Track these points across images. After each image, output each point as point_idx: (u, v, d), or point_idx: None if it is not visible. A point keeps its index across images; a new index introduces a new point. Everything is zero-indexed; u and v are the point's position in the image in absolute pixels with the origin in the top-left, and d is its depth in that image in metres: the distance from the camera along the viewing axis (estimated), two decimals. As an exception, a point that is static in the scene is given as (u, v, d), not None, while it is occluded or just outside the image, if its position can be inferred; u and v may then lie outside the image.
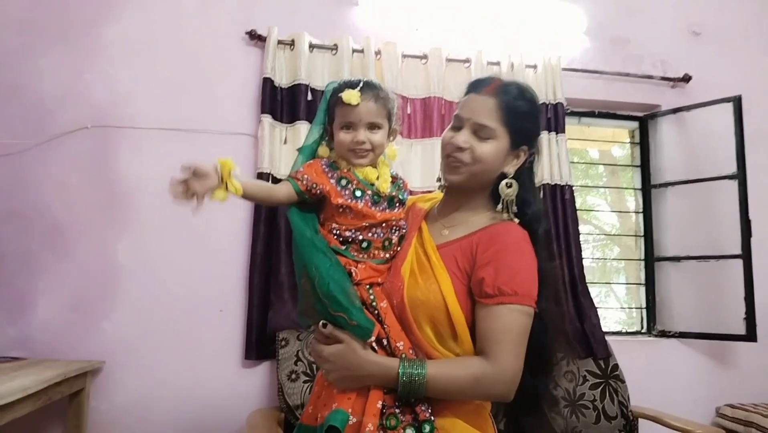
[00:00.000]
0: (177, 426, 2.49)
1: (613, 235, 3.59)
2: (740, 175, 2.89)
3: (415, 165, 2.72)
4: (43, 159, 2.54)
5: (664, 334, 3.09)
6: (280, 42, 2.70)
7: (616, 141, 3.54)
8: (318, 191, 1.30)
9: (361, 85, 1.32)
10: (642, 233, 3.27)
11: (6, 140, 2.51)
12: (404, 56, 2.82)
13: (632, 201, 3.40)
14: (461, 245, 1.32)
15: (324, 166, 1.33)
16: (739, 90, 2.98)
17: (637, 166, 3.33)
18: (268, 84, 2.64)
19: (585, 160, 3.75)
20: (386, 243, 1.33)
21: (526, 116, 1.35)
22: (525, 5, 3.10)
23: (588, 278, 2.89)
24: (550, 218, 2.79)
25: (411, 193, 1.48)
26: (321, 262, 1.22)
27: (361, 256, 1.30)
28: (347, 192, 1.30)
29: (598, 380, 2.63)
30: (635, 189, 3.35)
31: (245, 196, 1.31)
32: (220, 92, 2.71)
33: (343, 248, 1.30)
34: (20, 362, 2.25)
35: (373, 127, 1.33)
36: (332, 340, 1.25)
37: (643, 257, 3.26)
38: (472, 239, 1.32)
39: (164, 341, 2.52)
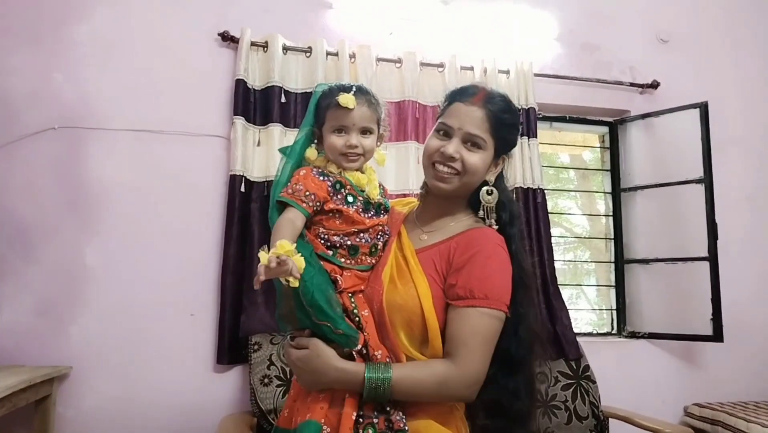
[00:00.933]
0: (147, 432, 2.44)
1: (584, 238, 3.64)
2: (707, 180, 2.96)
3: (389, 168, 2.72)
4: (9, 160, 2.48)
5: (633, 335, 3.14)
6: (253, 44, 2.68)
7: (586, 146, 3.59)
8: (318, 205, 1.29)
9: (354, 89, 1.33)
10: (612, 236, 3.32)
11: (-30, 141, 2.45)
12: (378, 60, 2.82)
13: (602, 204, 3.45)
14: (439, 249, 1.34)
15: (316, 174, 1.31)
16: (705, 96, 3.05)
17: (607, 171, 3.39)
18: (241, 86, 2.62)
19: (556, 165, 3.80)
20: (373, 249, 1.34)
21: (512, 128, 1.40)
22: (498, 12, 3.14)
23: (559, 279, 2.92)
24: (523, 221, 2.82)
25: (388, 196, 1.49)
26: (305, 270, 1.21)
27: (348, 262, 1.30)
28: (339, 197, 1.30)
29: (570, 381, 2.66)
30: (605, 193, 3.40)
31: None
32: (192, 93, 2.68)
33: (330, 253, 1.29)
34: (-16, 368, 2.20)
35: (365, 131, 1.34)
36: (300, 346, 1.27)
37: (613, 259, 3.31)
38: (450, 243, 1.34)
39: (134, 345, 2.48)
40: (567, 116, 3.31)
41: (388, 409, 1.23)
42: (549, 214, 2.95)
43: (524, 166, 2.87)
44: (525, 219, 2.82)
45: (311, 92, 2.61)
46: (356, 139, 1.32)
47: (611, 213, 3.34)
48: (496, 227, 1.37)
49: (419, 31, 3.01)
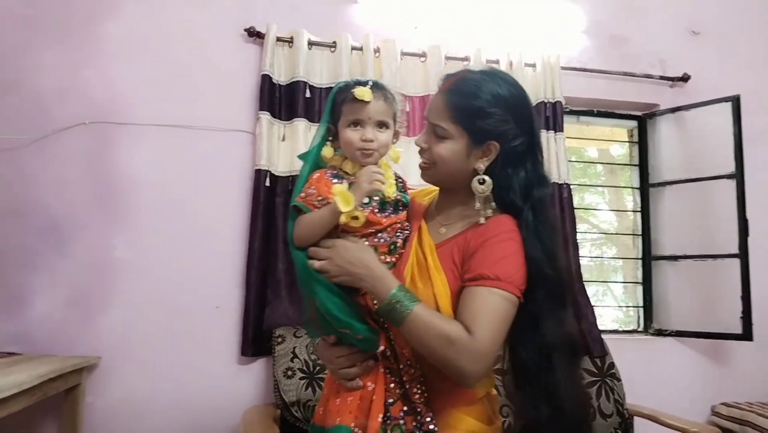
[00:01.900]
0: (173, 422, 2.49)
1: (611, 234, 3.59)
2: (738, 175, 2.89)
3: (413, 163, 2.69)
4: (40, 155, 2.54)
5: (660, 333, 3.10)
6: (278, 39, 2.69)
7: (614, 140, 3.54)
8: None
9: (371, 84, 1.31)
10: (640, 232, 3.27)
11: (4, 136, 2.51)
12: (403, 54, 2.81)
13: (630, 200, 3.40)
14: (457, 242, 1.31)
15: (330, 177, 1.29)
16: (737, 90, 2.98)
17: (635, 165, 3.33)
18: (266, 81, 2.64)
19: (583, 159, 3.75)
20: (392, 247, 1.31)
21: (479, 114, 1.28)
22: (524, 4, 3.10)
23: (585, 276, 2.89)
24: (550, 211, 2.78)
25: (407, 189, 1.47)
26: (316, 283, 1.22)
27: None
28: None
29: (595, 379, 2.64)
30: (633, 188, 3.35)
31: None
32: (218, 89, 2.71)
33: None
34: (16, 357, 2.26)
35: (381, 126, 1.31)
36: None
37: (640, 255, 3.26)
38: (467, 234, 1.31)
39: (160, 337, 2.52)
40: (594, 110, 3.27)
41: (418, 409, 1.22)
42: (575, 210, 2.92)
43: (550, 160, 2.84)
44: (550, 214, 2.79)
45: (335, 90, 2.66)
46: (372, 133, 1.29)
47: (639, 209, 3.29)
48: (483, 221, 1.30)
49: (444, 24, 2.99)
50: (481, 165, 1.30)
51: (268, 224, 2.57)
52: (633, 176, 3.36)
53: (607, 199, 3.77)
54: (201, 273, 2.59)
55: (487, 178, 1.30)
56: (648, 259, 3.21)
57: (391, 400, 1.24)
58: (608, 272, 3.57)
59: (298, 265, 1.27)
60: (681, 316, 3.05)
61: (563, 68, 2.99)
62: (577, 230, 2.91)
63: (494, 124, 1.28)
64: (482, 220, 1.29)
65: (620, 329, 3.25)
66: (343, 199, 1.20)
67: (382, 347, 1.24)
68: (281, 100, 2.67)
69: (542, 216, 1.30)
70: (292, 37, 2.70)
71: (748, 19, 3.39)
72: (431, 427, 1.21)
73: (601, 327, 2.83)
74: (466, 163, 1.31)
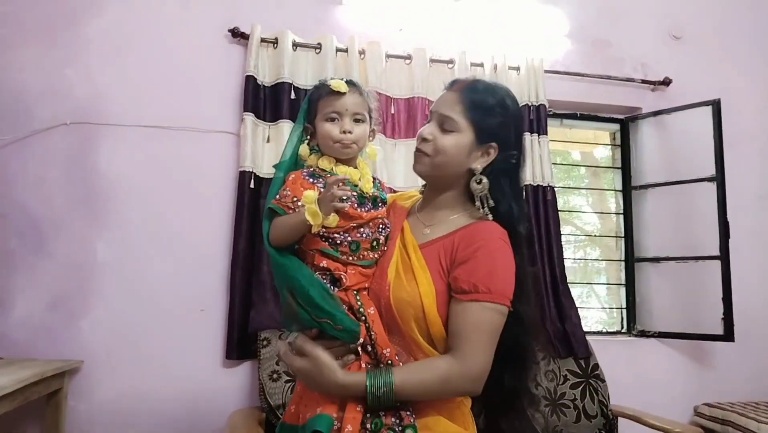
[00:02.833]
0: (157, 426, 2.46)
1: (594, 236, 3.62)
2: (719, 178, 2.93)
3: (399, 165, 2.72)
4: (21, 155, 2.50)
5: (643, 334, 3.12)
6: (263, 40, 2.68)
7: (597, 143, 3.57)
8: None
9: (346, 79, 1.35)
10: (622, 234, 3.30)
11: (-17, 136, 2.48)
12: (388, 56, 2.82)
13: (613, 202, 3.43)
14: (443, 244, 1.33)
15: (306, 177, 1.32)
16: (718, 93, 3.02)
17: (618, 168, 3.37)
18: (250, 82, 2.63)
19: (567, 162, 3.78)
20: (374, 243, 1.33)
21: (490, 111, 1.34)
22: (508, 7, 3.12)
23: (569, 278, 2.91)
24: (532, 219, 2.81)
25: (393, 191, 1.49)
26: (299, 270, 1.23)
27: (351, 258, 1.30)
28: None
29: (579, 380, 2.65)
30: (616, 190, 3.38)
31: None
32: (202, 90, 2.69)
33: (332, 249, 1.29)
34: (-4, 362, 2.22)
35: (357, 119, 1.34)
36: (300, 350, 1.25)
37: (623, 257, 3.29)
38: (453, 237, 1.33)
39: (144, 340, 2.50)
40: (578, 113, 3.29)
41: (396, 403, 1.23)
42: (559, 212, 2.94)
43: (534, 163, 2.86)
44: (534, 217, 2.81)
45: (310, 90, 2.65)
46: (350, 125, 1.33)
47: (622, 211, 3.32)
48: (490, 217, 1.34)
49: (429, 27, 3.00)
50: (479, 165, 1.35)
51: (253, 226, 2.55)
52: (616, 179, 3.39)
53: (590, 202, 3.80)
54: (185, 275, 2.57)
55: (484, 178, 1.34)
56: (631, 261, 3.24)
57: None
58: (592, 273, 3.60)
59: (275, 260, 1.28)
60: (663, 317, 3.08)
61: (547, 72, 3.01)
62: (562, 232, 2.93)
63: (500, 126, 1.35)
64: (490, 216, 1.34)
65: (604, 330, 3.28)
66: (310, 213, 1.22)
67: (361, 340, 1.25)
68: (266, 101, 2.66)
69: (521, 227, 1.37)
70: (276, 38, 2.69)
71: (728, 24, 3.44)
72: (411, 421, 1.22)
73: (585, 328, 2.85)
74: (465, 160, 1.35)
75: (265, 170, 2.60)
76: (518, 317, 1.32)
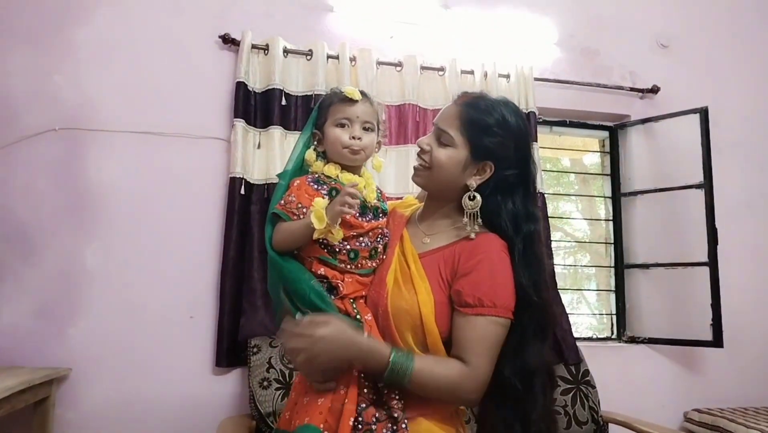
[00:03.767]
0: (145, 435, 2.44)
1: (584, 242, 3.63)
2: (707, 185, 2.95)
3: (389, 172, 2.72)
4: (9, 161, 2.48)
5: (633, 340, 3.14)
6: (254, 46, 2.68)
7: (587, 150, 3.59)
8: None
9: (358, 89, 1.37)
10: (612, 241, 3.32)
11: (-30, 142, 2.46)
12: (379, 63, 2.82)
13: (603, 209, 3.45)
14: (444, 255, 1.34)
15: (311, 183, 1.33)
16: (705, 101, 3.05)
17: (607, 175, 3.39)
18: (241, 88, 2.63)
19: (557, 168, 3.80)
20: (373, 252, 1.34)
21: (487, 130, 1.33)
22: (498, 16, 3.14)
23: (560, 284, 2.92)
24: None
25: (386, 200, 1.49)
26: (301, 274, 1.24)
27: (349, 266, 1.30)
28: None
29: (569, 386, 2.65)
30: (605, 197, 3.40)
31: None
32: (192, 96, 2.68)
33: (331, 257, 1.29)
34: (-18, 370, 2.19)
35: (366, 128, 1.36)
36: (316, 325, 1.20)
37: (613, 263, 3.31)
38: (455, 248, 1.34)
39: (133, 347, 2.47)
40: (567, 120, 3.32)
41: (395, 415, 1.22)
42: (549, 219, 2.95)
43: (524, 170, 2.87)
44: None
45: (312, 95, 2.67)
46: (359, 132, 1.34)
47: (611, 217, 3.34)
48: (472, 235, 1.32)
49: (420, 35, 3.01)
50: (473, 182, 1.35)
51: (243, 233, 2.55)
52: (605, 185, 3.41)
53: (580, 208, 3.82)
54: (174, 282, 2.55)
55: (477, 195, 1.34)
56: (620, 267, 3.26)
57: (363, 405, 1.23)
58: (582, 279, 3.61)
59: (277, 264, 1.28)
60: (653, 323, 3.09)
61: (536, 79, 3.03)
62: (552, 238, 2.94)
63: (496, 145, 1.33)
64: (472, 235, 1.32)
65: (594, 336, 3.29)
66: (317, 217, 1.22)
67: None
68: (256, 107, 2.66)
69: (531, 249, 1.34)
70: (267, 45, 2.69)
71: (715, 32, 3.48)
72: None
73: (575, 334, 2.86)
74: (460, 175, 1.35)
75: (256, 176, 2.59)
76: (518, 342, 1.30)
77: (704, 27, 3.47)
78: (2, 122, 2.49)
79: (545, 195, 2.91)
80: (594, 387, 2.67)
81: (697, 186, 2.99)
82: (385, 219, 1.40)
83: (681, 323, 2.99)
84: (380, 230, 1.36)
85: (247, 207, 2.55)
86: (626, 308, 3.21)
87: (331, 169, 1.36)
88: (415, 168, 1.41)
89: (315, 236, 1.24)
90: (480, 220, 1.34)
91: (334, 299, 1.27)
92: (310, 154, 1.38)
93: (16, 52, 2.55)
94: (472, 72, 2.93)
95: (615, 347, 3.14)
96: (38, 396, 2.21)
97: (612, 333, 3.25)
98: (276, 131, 2.60)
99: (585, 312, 3.64)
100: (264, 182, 2.58)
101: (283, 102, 2.64)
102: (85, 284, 2.48)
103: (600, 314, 3.41)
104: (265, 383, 2.33)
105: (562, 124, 3.32)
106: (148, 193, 2.58)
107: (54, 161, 2.52)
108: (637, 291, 3.18)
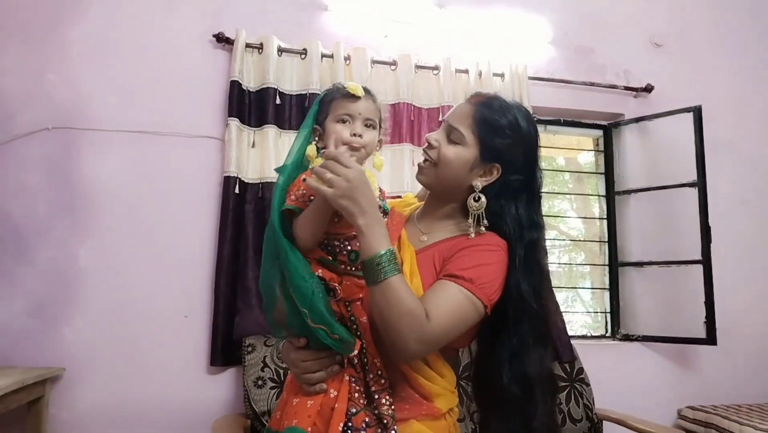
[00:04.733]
0: (140, 434, 2.44)
1: (579, 240, 3.65)
2: (700, 183, 2.97)
3: (384, 170, 2.71)
4: (2, 160, 2.47)
5: (627, 338, 3.15)
6: (248, 45, 2.68)
7: (581, 149, 3.60)
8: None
9: (361, 85, 1.33)
10: (606, 239, 3.33)
11: (-37, 141, 2.44)
12: (374, 62, 2.82)
13: (597, 207, 3.46)
14: (439, 248, 1.33)
15: None
16: (699, 100, 3.06)
17: (601, 174, 3.40)
18: (235, 87, 2.62)
19: (552, 167, 3.80)
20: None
21: (499, 132, 1.32)
22: (492, 15, 3.14)
23: (554, 282, 2.93)
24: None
25: (386, 198, 1.47)
26: (308, 272, 1.20)
27: (348, 268, 1.28)
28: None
29: (564, 384, 2.66)
30: (600, 196, 3.41)
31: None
32: (186, 95, 2.68)
33: (331, 258, 1.27)
34: (-24, 370, 2.18)
35: (368, 125, 1.32)
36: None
37: (607, 262, 3.31)
38: (452, 242, 1.32)
39: (127, 347, 2.47)
40: (561, 119, 3.32)
41: (385, 421, 1.21)
42: (544, 217, 2.95)
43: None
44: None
45: (306, 94, 2.67)
46: (361, 128, 1.30)
47: (606, 216, 3.35)
48: (472, 235, 1.31)
49: (414, 33, 3.01)
50: (479, 183, 1.33)
51: (238, 232, 2.54)
52: (599, 184, 3.42)
53: (574, 207, 3.83)
54: (169, 282, 2.55)
55: (482, 196, 1.32)
56: (615, 265, 3.27)
57: (354, 410, 1.22)
58: (577, 277, 3.62)
59: (288, 259, 1.21)
60: (647, 321, 3.10)
61: (531, 78, 3.04)
62: (547, 237, 2.94)
63: (506, 147, 1.32)
64: (472, 234, 1.31)
65: (589, 334, 3.30)
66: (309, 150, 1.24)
67: (355, 351, 1.22)
68: (251, 106, 2.65)
69: (534, 257, 1.32)
70: (261, 44, 2.69)
71: (708, 31, 3.49)
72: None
73: (570, 332, 2.87)
74: (466, 175, 1.33)
75: (250, 175, 2.59)
76: (513, 350, 1.29)
77: (698, 26, 3.49)
78: (-5, 121, 2.48)
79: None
80: (588, 385, 2.68)
81: (691, 184, 3.00)
82: (386, 219, 1.35)
83: (675, 320, 3.01)
84: None
85: (242, 206, 2.55)
86: (620, 306, 3.22)
87: None
88: (420, 165, 1.39)
89: (312, 165, 1.19)
90: (486, 222, 1.32)
91: (331, 301, 1.24)
92: (311, 149, 1.32)
93: (10, 51, 2.54)
94: (466, 71, 2.93)
95: (609, 345, 3.15)
96: (32, 396, 2.20)
97: (606, 331, 3.26)
98: (270, 130, 2.59)
99: (579, 310, 3.64)
100: (258, 181, 2.58)
101: (278, 101, 2.64)
102: (79, 284, 2.47)
103: (594, 312, 3.42)
104: (260, 382, 2.33)
105: (556, 123, 3.33)
106: (142, 193, 2.57)
107: (47, 160, 2.51)
108: (632, 289, 3.19)
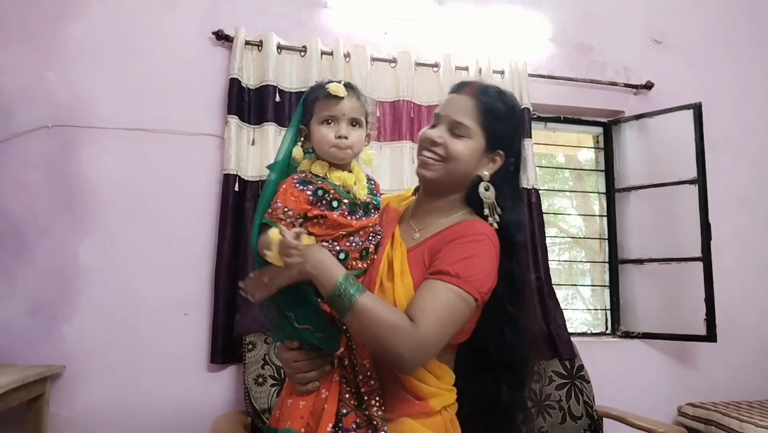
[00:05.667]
0: (140, 432, 2.43)
1: (579, 238, 3.65)
2: (700, 180, 2.96)
3: (384, 168, 2.72)
4: (1, 158, 2.47)
5: (627, 335, 3.15)
6: (247, 43, 2.68)
7: (581, 146, 3.60)
8: (298, 218, 1.24)
9: (344, 82, 1.31)
10: (606, 236, 3.33)
11: (-38, 139, 2.44)
12: (373, 59, 2.82)
13: (597, 205, 3.46)
14: (428, 245, 1.31)
15: (297, 184, 1.26)
16: (699, 97, 3.06)
17: (601, 171, 3.39)
18: (235, 85, 2.62)
19: (552, 165, 3.81)
20: (363, 253, 1.29)
21: (503, 119, 1.34)
22: (492, 12, 3.14)
23: (554, 279, 2.93)
24: (526, 231, 2.82)
25: (380, 192, 1.46)
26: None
27: None
28: (323, 203, 1.25)
29: (564, 381, 2.66)
30: (600, 193, 3.41)
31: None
32: (186, 92, 2.67)
33: None
34: (-24, 368, 2.18)
35: (354, 123, 1.30)
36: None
37: (607, 259, 3.31)
38: (439, 236, 1.31)
39: (127, 345, 2.47)
40: (561, 116, 3.32)
41: (375, 423, 1.21)
42: (544, 214, 2.95)
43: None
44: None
45: (306, 91, 2.65)
46: (346, 130, 1.28)
47: (606, 213, 3.35)
48: (496, 226, 1.32)
49: (414, 31, 3.01)
50: (486, 172, 1.34)
51: (237, 229, 2.54)
52: (599, 181, 3.42)
53: (574, 204, 3.83)
54: (169, 279, 2.54)
55: (491, 185, 1.34)
56: (614, 262, 3.26)
57: (345, 411, 1.22)
58: (577, 275, 3.62)
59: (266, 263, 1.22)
60: (647, 318, 3.10)
61: (531, 75, 3.03)
62: (546, 234, 2.95)
63: (509, 133, 1.36)
64: (494, 225, 1.32)
65: (589, 331, 3.30)
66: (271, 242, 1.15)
67: (342, 348, 1.23)
68: (250, 104, 2.65)
69: (519, 235, 1.35)
70: (261, 41, 2.68)
71: (708, 28, 3.49)
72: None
73: (570, 330, 2.87)
74: (475, 166, 1.34)
75: (250, 173, 2.58)
76: (515, 326, 1.31)
77: (698, 23, 3.48)
78: (-6, 119, 2.48)
79: (539, 191, 2.92)
80: (588, 382, 2.68)
81: (691, 181, 2.99)
82: (377, 215, 1.35)
83: (675, 317, 3.00)
84: (371, 228, 1.32)
85: (241, 204, 2.55)
86: (620, 303, 3.22)
87: (318, 168, 1.30)
88: (425, 162, 1.35)
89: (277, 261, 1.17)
90: (499, 209, 1.33)
91: (321, 302, 1.23)
92: (298, 151, 1.32)
93: (9, 49, 2.53)
94: (466, 68, 2.93)
95: (609, 342, 3.16)
96: (32, 394, 2.20)
97: (606, 328, 3.26)
98: (270, 128, 2.59)
99: (580, 307, 3.66)
100: (258, 179, 2.58)
101: (277, 98, 2.64)
102: (79, 281, 2.47)
103: (594, 310, 3.42)
104: (260, 380, 2.33)
105: (556, 120, 3.32)
106: (142, 190, 2.57)
107: (47, 158, 2.51)
108: (632, 286, 3.19)
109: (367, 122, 1.36)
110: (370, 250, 1.31)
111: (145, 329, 2.49)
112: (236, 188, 2.55)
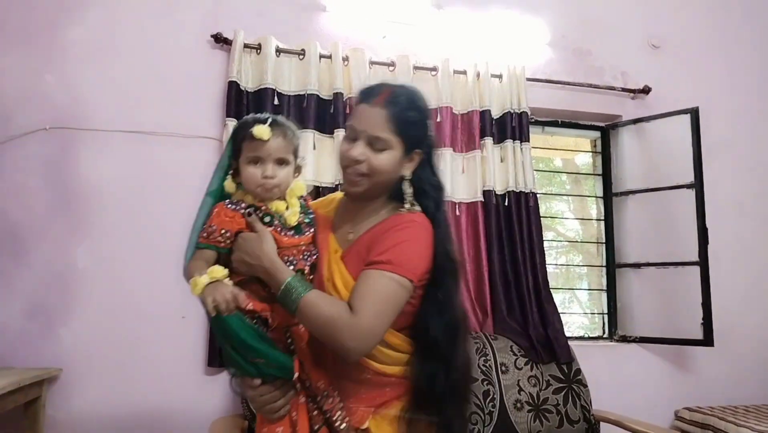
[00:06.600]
0: (137, 435, 2.43)
1: (576, 242, 3.65)
2: (697, 185, 2.97)
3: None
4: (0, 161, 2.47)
5: (625, 339, 3.15)
6: (246, 46, 2.68)
7: (578, 150, 3.61)
8: (232, 238, 1.29)
9: (270, 120, 1.31)
10: (604, 240, 3.33)
11: (-40, 141, 2.44)
12: (372, 63, 2.82)
13: (594, 209, 3.47)
14: (364, 240, 1.39)
15: (228, 206, 1.32)
16: (696, 102, 3.07)
17: (599, 175, 3.40)
18: (233, 87, 2.62)
19: (549, 168, 3.81)
20: (299, 275, 1.31)
21: (416, 124, 1.40)
22: (491, 16, 3.15)
23: (552, 283, 2.92)
24: (515, 225, 2.83)
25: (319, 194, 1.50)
26: (230, 316, 1.23)
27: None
28: (257, 218, 1.30)
29: (561, 385, 2.66)
30: (597, 197, 3.41)
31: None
32: (184, 95, 2.67)
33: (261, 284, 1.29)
34: (-28, 370, 2.18)
35: (281, 162, 1.32)
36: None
37: (604, 263, 3.32)
38: (374, 230, 1.39)
39: (124, 348, 2.46)
40: (559, 121, 3.33)
41: (340, 427, 1.28)
42: (541, 218, 2.95)
43: (516, 170, 2.88)
44: (517, 223, 2.83)
45: (304, 95, 2.67)
46: (272, 170, 1.30)
47: (603, 217, 3.35)
48: (417, 209, 1.41)
49: (412, 35, 3.01)
50: (407, 171, 1.42)
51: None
52: (597, 185, 3.42)
53: (572, 208, 3.84)
54: (166, 282, 2.51)
55: (410, 182, 1.42)
56: (612, 266, 3.27)
57: (317, 426, 1.29)
58: (574, 279, 3.63)
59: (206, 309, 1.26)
60: (644, 322, 3.11)
61: (529, 79, 3.04)
62: (544, 238, 2.95)
63: (423, 132, 1.43)
64: (406, 209, 1.40)
65: (586, 335, 3.30)
66: (197, 284, 1.25)
67: (297, 373, 1.26)
68: (248, 107, 2.65)
69: (445, 216, 1.44)
70: (259, 44, 2.69)
71: (705, 33, 3.50)
72: None
73: (567, 334, 2.86)
74: (396, 172, 1.41)
75: (248, 176, 2.58)
76: (451, 302, 1.38)
77: (695, 28, 3.49)
78: (-8, 121, 2.48)
79: (537, 195, 2.92)
80: (586, 386, 2.68)
81: (688, 186, 3.00)
82: (310, 233, 1.38)
83: (672, 322, 3.01)
84: (304, 247, 1.35)
85: (240, 207, 2.54)
86: (618, 308, 3.22)
87: (250, 199, 1.34)
88: (351, 181, 1.40)
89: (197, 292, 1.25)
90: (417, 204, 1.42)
91: (268, 331, 1.27)
92: (230, 185, 1.36)
93: (8, 51, 2.53)
94: (464, 72, 2.94)
95: (607, 346, 3.16)
96: (29, 397, 2.19)
97: (604, 332, 3.27)
98: (268, 131, 2.59)
99: (577, 312, 3.65)
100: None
101: (276, 102, 2.64)
102: (76, 284, 2.47)
103: (592, 314, 3.42)
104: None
105: (554, 124, 3.33)
106: (140, 193, 2.57)
107: (45, 161, 2.51)
108: (629, 290, 3.20)
109: (296, 157, 1.38)
110: (305, 271, 1.34)
111: (143, 332, 2.49)
112: (234, 191, 2.54)
